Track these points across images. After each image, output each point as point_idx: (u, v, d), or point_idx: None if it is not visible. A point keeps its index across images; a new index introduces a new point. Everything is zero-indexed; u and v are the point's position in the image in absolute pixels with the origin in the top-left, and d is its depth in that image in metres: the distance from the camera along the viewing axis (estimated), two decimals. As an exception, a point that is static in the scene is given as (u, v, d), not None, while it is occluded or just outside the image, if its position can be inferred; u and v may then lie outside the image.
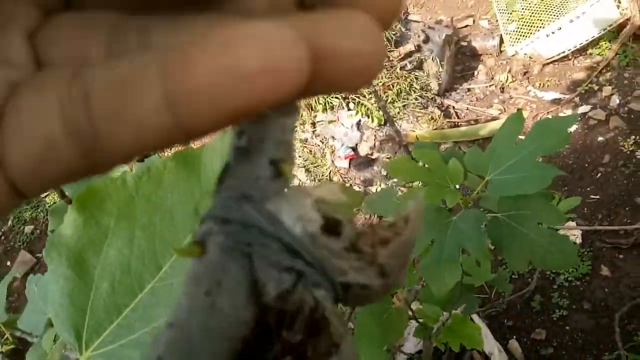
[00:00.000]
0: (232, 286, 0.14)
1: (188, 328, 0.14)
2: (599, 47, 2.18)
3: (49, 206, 2.39)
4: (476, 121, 2.16)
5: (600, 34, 2.13)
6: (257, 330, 0.15)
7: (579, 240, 1.63)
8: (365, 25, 0.12)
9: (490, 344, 1.15)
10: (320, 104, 2.05)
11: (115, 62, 0.12)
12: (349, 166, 2.04)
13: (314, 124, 2.10)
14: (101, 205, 0.34)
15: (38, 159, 0.12)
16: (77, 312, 0.32)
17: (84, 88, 0.12)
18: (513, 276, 1.63)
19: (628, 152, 1.84)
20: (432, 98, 2.15)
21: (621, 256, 1.61)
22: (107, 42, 0.13)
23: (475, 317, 1.24)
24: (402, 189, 1.47)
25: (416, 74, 2.12)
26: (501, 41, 2.35)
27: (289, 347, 0.15)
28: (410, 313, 0.87)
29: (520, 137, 0.74)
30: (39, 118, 0.12)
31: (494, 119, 2.13)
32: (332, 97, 2.04)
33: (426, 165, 0.77)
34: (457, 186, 0.74)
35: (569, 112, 2.05)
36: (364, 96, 2.03)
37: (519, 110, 0.77)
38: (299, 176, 2.02)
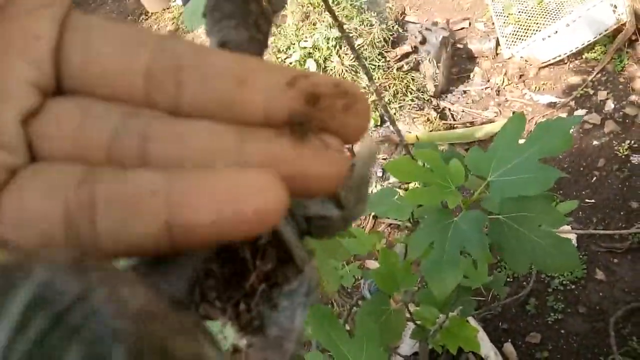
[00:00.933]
0: None
1: None
2: (595, 52, 2.19)
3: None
4: (472, 123, 2.16)
5: (596, 39, 2.14)
6: (234, 261, 0.17)
7: (574, 244, 1.64)
8: (334, 154, 0.14)
9: (486, 347, 1.14)
10: (316, 103, 2.04)
11: (121, 176, 0.13)
12: (344, 167, 2.03)
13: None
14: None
15: (32, 247, 0.12)
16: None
17: (91, 198, 0.13)
18: (508, 279, 1.62)
19: (623, 157, 1.84)
20: (428, 100, 2.14)
21: (616, 260, 1.61)
22: (107, 145, 0.14)
23: (470, 319, 1.23)
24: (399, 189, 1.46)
25: (412, 75, 2.11)
26: (497, 44, 2.35)
27: (263, 275, 0.17)
28: (407, 315, 0.86)
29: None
30: (42, 215, 0.12)
31: (490, 121, 2.13)
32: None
33: (426, 166, 0.76)
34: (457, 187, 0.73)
35: (564, 115, 2.06)
36: (361, 97, 2.02)
37: (520, 112, 0.77)
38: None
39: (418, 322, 0.89)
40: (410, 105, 2.09)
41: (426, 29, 2.23)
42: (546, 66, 2.24)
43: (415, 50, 2.14)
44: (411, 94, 2.09)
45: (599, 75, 2.14)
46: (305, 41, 2.03)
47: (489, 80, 2.31)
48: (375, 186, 1.98)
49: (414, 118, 2.08)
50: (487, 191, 0.73)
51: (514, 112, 2.11)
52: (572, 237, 1.62)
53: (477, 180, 0.75)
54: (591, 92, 2.10)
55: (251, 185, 0.13)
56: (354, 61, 1.95)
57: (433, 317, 0.88)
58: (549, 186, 0.69)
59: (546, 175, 0.68)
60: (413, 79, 2.11)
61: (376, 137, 2.02)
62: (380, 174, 2.01)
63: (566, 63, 2.22)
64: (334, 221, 0.18)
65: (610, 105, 2.03)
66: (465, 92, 2.30)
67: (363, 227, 1.84)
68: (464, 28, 2.56)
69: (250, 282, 0.17)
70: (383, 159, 2.03)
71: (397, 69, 2.09)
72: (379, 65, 2.05)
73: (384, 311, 0.79)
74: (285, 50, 2.04)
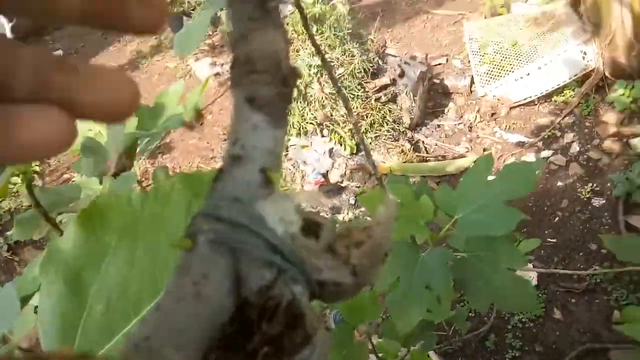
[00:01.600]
0: (218, 278, 0.16)
1: (174, 312, 0.16)
2: (564, 95, 2.28)
3: (7, 211, 2.29)
4: (444, 157, 2.21)
5: (565, 83, 2.23)
6: (238, 321, 0.16)
7: (534, 282, 1.67)
8: (120, 79, 0.16)
9: (445, 381, 1.15)
10: (294, 128, 2.06)
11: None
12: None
13: (286, 148, 2.10)
14: (104, 222, 0.33)
15: None
16: (67, 332, 0.30)
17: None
18: (470, 314, 1.64)
19: (585, 199, 1.91)
20: (403, 131, 2.18)
21: (573, 300, 1.65)
22: None
23: (431, 354, 1.24)
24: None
25: (390, 106, 2.16)
26: (472, 82, 2.43)
27: (268, 338, 0.16)
28: (370, 347, 0.86)
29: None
30: None
31: (461, 156, 2.19)
32: (307, 122, 2.05)
33: (398, 200, 0.78)
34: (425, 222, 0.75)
35: (531, 155, 2.13)
36: (339, 124, 2.05)
37: (488, 151, 0.80)
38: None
39: (380, 355, 0.90)
40: (385, 135, 2.13)
41: (405, 62, 2.28)
42: (517, 106, 2.32)
43: (393, 82, 2.19)
44: (387, 125, 2.13)
45: (567, 118, 2.22)
46: (286, 65, 2.05)
47: (462, 116, 2.37)
48: (348, 213, 2.00)
49: (389, 148, 2.12)
50: (454, 228, 0.75)
51: (484, 149, 2.18)
52: (534, 275, 1.66)
53: (445, 217, 0.77)
54: (558, 134, 2.18)
55: (42, 122, 0.15)
56: (334, 89, 1.98)
57: (395, 350, 0.89)
58: (513, 228, 0.71)
59: (510, 217, 0.71)
60: (390, 111, 2.15)
61: (351, 165, 2.05)
62: (353, 202, 2.02)
63: (536, 104, 2.30)
64: (347, 287, 0.17)
65: (575, 148, 2.10)
66: (439, 126, 2.35)
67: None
68: (441, 64, 2.63)
69: (253, 345, 0.16)
70: (357, 186, 2.05)
71: (375, 100, 2.13)
72: (357, 95, 2.08)
73: (347, 343, 0.80)
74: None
